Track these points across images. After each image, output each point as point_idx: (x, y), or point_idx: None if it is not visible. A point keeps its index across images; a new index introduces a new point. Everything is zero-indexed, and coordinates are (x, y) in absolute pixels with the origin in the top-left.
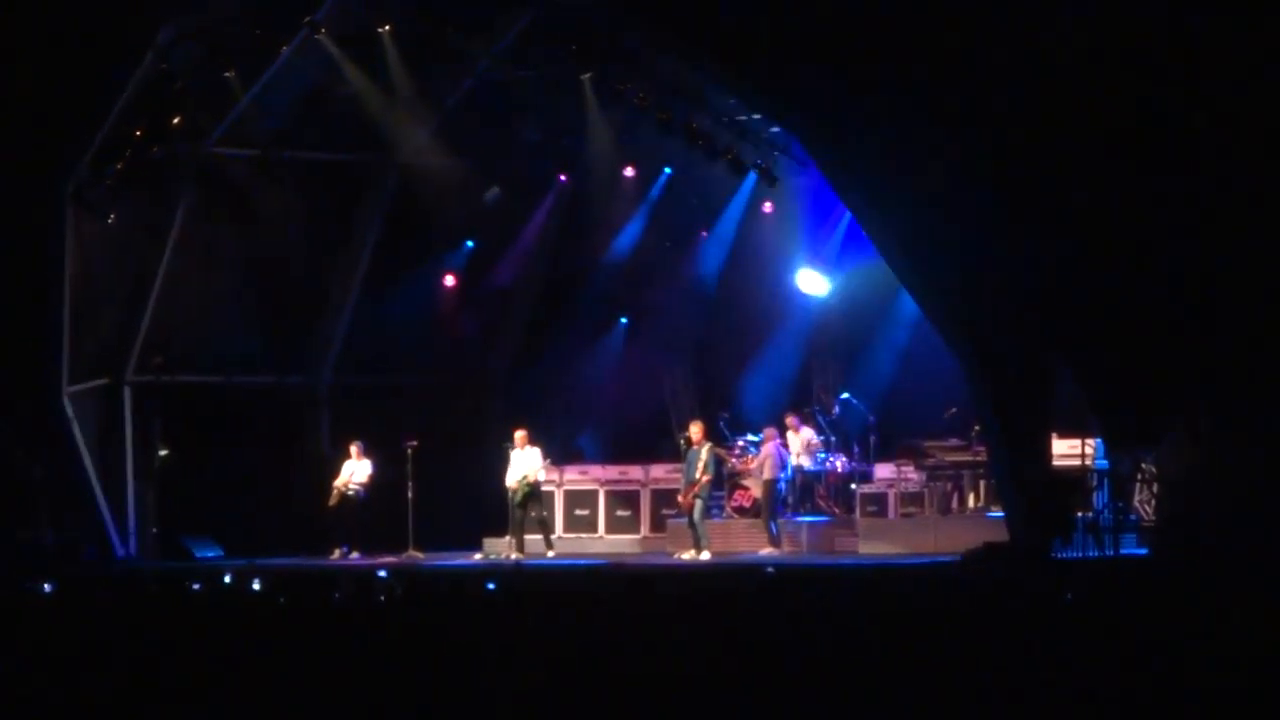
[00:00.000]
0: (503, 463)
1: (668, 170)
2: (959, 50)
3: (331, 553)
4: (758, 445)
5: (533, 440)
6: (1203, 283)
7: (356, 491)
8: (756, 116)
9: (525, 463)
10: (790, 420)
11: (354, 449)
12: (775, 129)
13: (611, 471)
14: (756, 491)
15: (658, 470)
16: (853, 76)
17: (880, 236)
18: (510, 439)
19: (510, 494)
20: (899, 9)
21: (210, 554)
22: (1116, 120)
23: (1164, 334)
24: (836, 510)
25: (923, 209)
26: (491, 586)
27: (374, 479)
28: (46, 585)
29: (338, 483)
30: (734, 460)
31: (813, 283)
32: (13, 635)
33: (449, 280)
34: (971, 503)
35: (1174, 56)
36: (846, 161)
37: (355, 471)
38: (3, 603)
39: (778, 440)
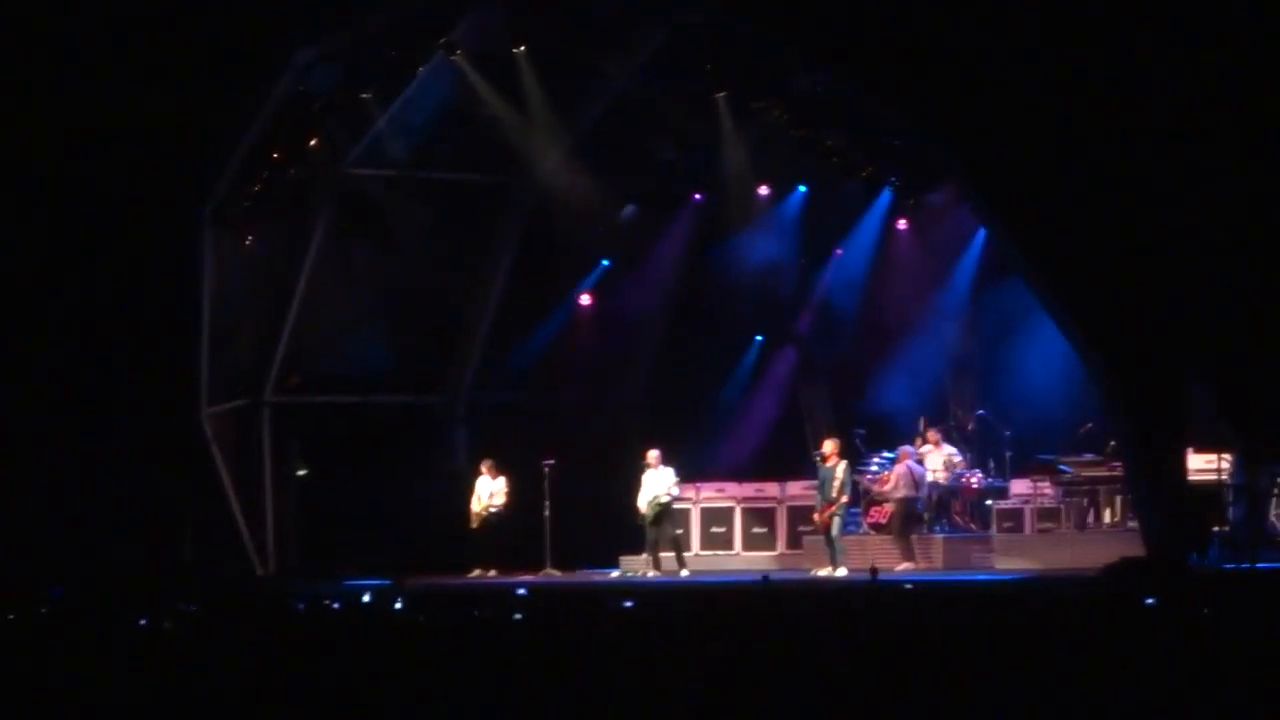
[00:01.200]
0: (638, 482)
1: (802, 188)
2: (1101, 59)
3: (470, 571)
4: (892, 463)
5: (666, 460)
6: None
7: (496, 512)
8: (892, 131)
9: (657, 483)
10: (932, 435)
11: (485, 467)
12: (911, 144)
13: (748, 489)
14: (891, 508)
15: (794, 487)
16: (993, 89)
17: (1016, 252)
18: (645, 459)
19: (642, 515)
20: (1040, 20)
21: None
22: (1257, 131)
23: None
24: (973, 526)
25: (1060, 224)
26: (629, 605)
27: (511, 497)
28: (189, 606)
29: (476, 506)
30: (868, 480)
31: None
32: (153, 656)
33: (585, 299)
34: (1108, 518)
35: None
36: (984, 176)
37: (493, 492)
38: (144, 625)
39: (912, 458)
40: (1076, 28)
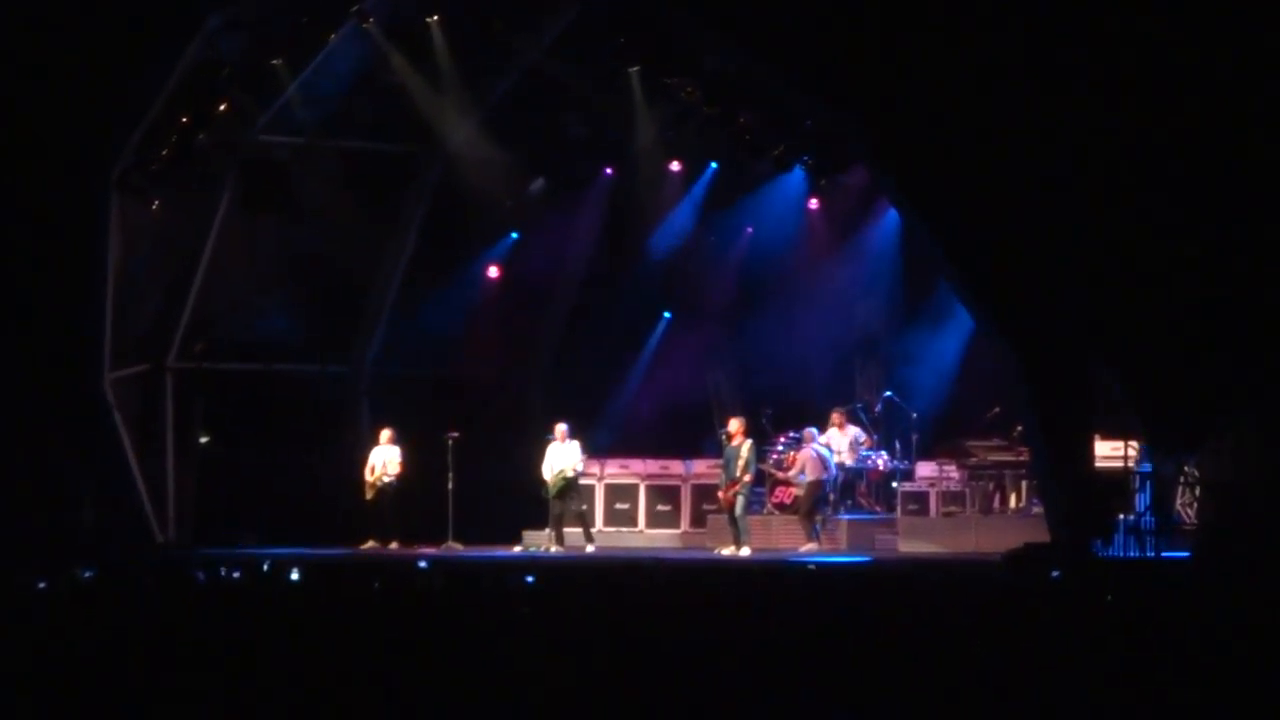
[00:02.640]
0: (543, 455)
1: (713, 165)
2: (1014, 45)
3: (365, 543)
4: (796, 444)
5: (572, 434)
6: (1249, 286)
7: (390, 483)
8: (804, 112)
9: (563, 456)
10: (836, 417)
11: (385, 435)
12: (822, 125)
13: (652, 466)
14: (798, 490)
15: (699, 465)
16: (904, 70)
17: (925, 235)
18: (551, 432)
19: (547, 487)
20: (951, 5)
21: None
22: (1163, 121)
23: (1209, 337)
24: (877, 508)
25: (969, 209)
26: (530, 579)
27: (405, 467)
28: (86, 572)
29: (370, 476)
30: (770, 465)
31: None
32: (50, 621)
33: (492, 272)
34: (1013, 503)
35: (1220, 64)
36: (894, 158)
37: (386, 461)
38: (44, 589)
39: (815, 440)
40: (988, 13)
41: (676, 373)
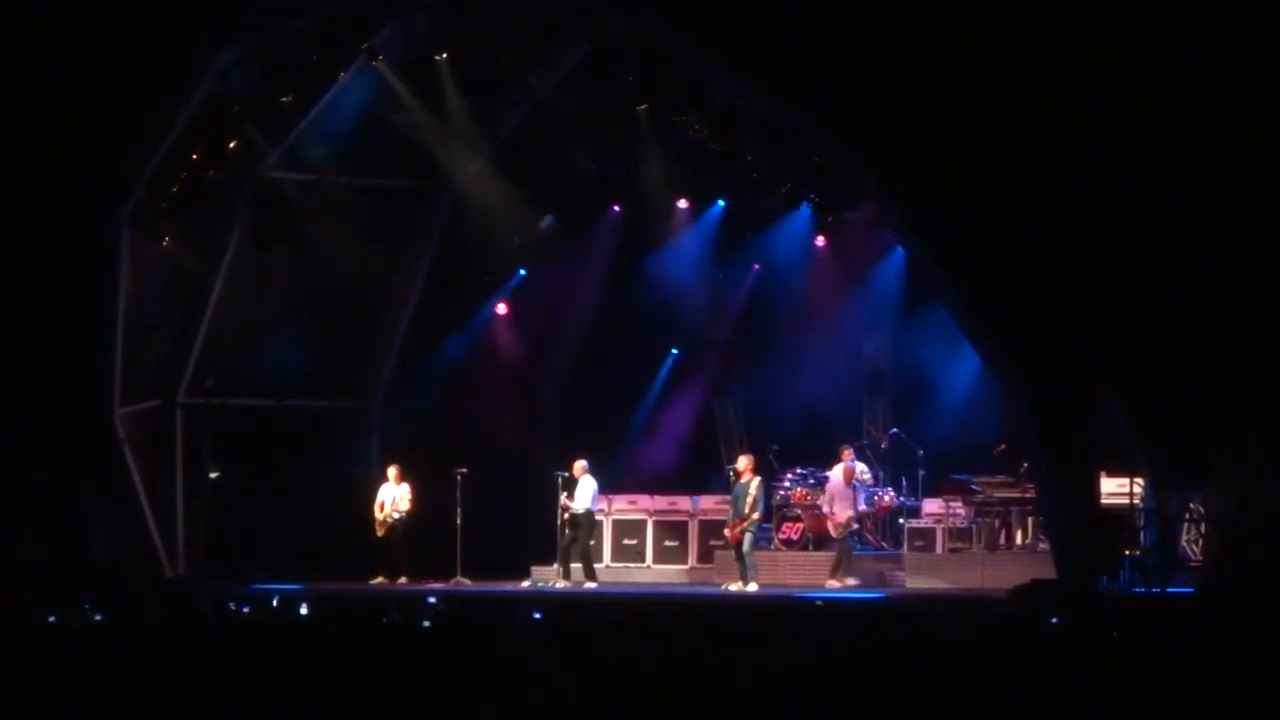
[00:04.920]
0: (553, 491)
1: (721, 202)
2: (1020, 82)
3: (374, 578)
4: (807, 479)
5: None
6: (1253, 322)
7: (400, 519)
8: (812, 148)
9: (580, 493)
10: (845, 453)
11: (392, 472)
12: (830, 161)
13: (660, 501)
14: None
15: (706, 501)
16: (909, 104)
17: (932, 272)
18: (569, 469)
19: (564, 520)
20: (961, 37)
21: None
22: (1168, 154)
23: (1213, 374)
24: (884, 544)
25: (976, 246)
26: (538, 616)
27: (415, 505)
28: (96, 609)
29: (380, 513)
30: (799, 501)
31: None
32: (60, 655)
33: (501, 308)
34: (1020, 539)
35: (1227, 86)
36: (899, 193)
37: (397, 498)
38: (54, 623)
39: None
40: (998, 50)
41: (684, 409)
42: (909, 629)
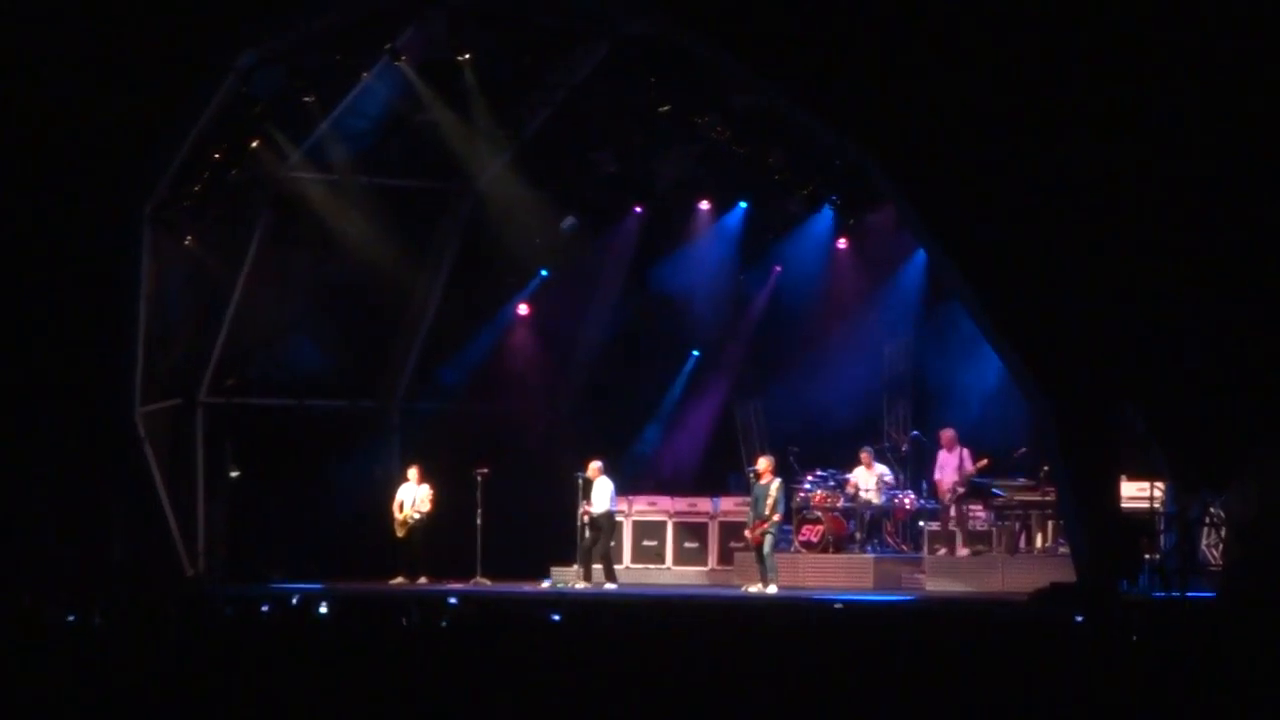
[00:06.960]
0: (573, 492)
1: (743, 204)
2: (1043, 84)
3: (394, 578)
4: (827, 481)
5: (606, 471)
6: (1273, 326)
7: (420, 520)
8: (833, 151)
9: (598, 494)
10: (864, 455)
11: (413, 473)
12: (851, 164)
13: (680, 503)
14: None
15: (726, 503)
16: (932, 108)
17: (953, 275)
18: (584, 468)
19: (584, 523)
20: (984, 39)
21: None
22: (1191, 157)
23: (1234, 378)
24: (904, 547)
25: (996, 249)
26: (557, 617)
27: (435, 506)
28: (114, 606)
29: (399, 514)
30: (819, 503)
31: None
32: (78, 654)
33: (522, 309)
34: (1039, 543)
35: (1248, 90)
36: (922, 196)
37: (417, 499)
38: (72, 622)
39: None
40: (1019, 54)
41: (705, 410)
42: (929, 632)
